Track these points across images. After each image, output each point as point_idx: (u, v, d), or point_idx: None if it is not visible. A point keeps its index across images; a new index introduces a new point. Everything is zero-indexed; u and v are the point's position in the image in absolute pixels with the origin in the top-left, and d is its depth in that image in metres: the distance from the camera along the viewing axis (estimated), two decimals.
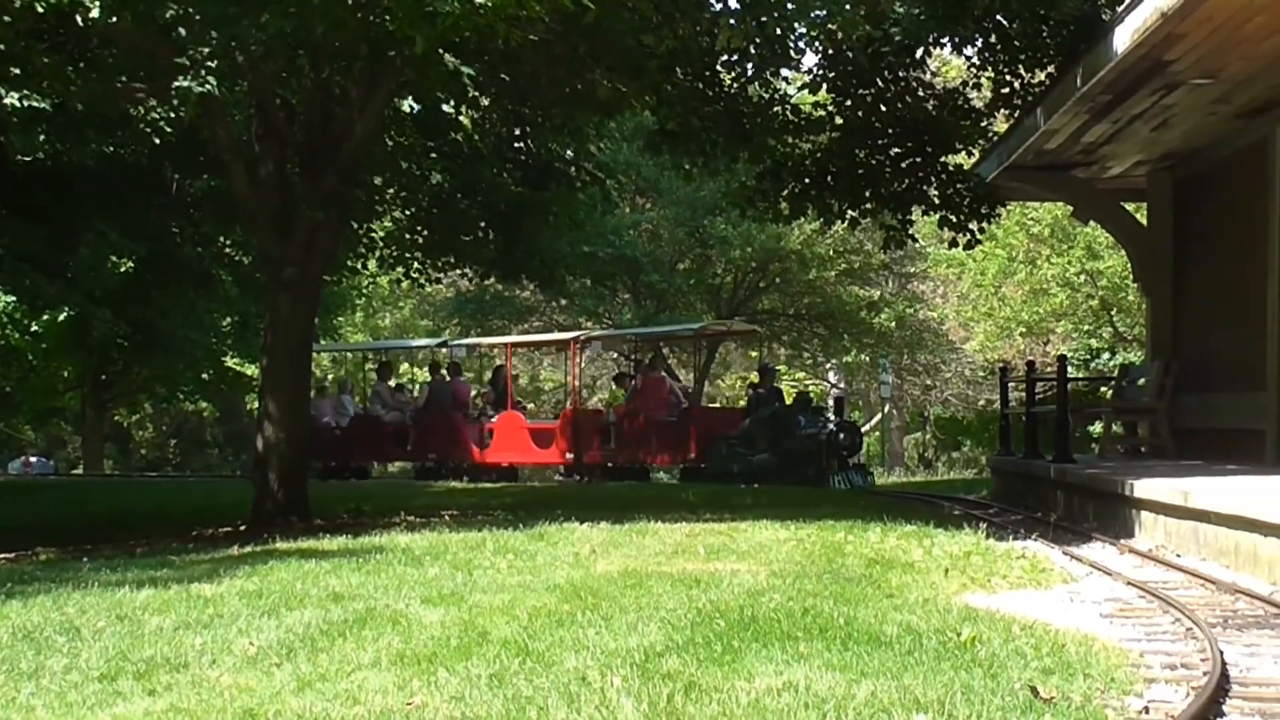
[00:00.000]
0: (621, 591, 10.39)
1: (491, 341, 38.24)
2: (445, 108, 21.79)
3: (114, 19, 16.13)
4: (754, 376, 35.07)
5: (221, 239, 27.69)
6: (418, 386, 36.31)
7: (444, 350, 35.87)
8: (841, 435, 26.46)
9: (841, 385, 53.08)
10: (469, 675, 7.57)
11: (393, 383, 36.00)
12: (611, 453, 30.69)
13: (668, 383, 31.59)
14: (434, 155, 23.54)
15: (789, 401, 29.17)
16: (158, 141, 22.39)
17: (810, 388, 49.40)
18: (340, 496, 23.10)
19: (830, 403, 28.09)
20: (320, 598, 10.65)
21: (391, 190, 24.39)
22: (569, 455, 31.13)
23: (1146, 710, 6.89)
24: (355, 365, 52.15)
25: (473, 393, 33.76)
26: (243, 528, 18.97)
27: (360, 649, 8.48)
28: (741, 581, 10.84)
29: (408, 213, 25.03)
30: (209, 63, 15.95)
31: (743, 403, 33.60)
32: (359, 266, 27.65)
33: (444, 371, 33.89)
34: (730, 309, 44.21)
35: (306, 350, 20.84)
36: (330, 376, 50.12)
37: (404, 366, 51.20)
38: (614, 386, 33.66)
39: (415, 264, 25.47)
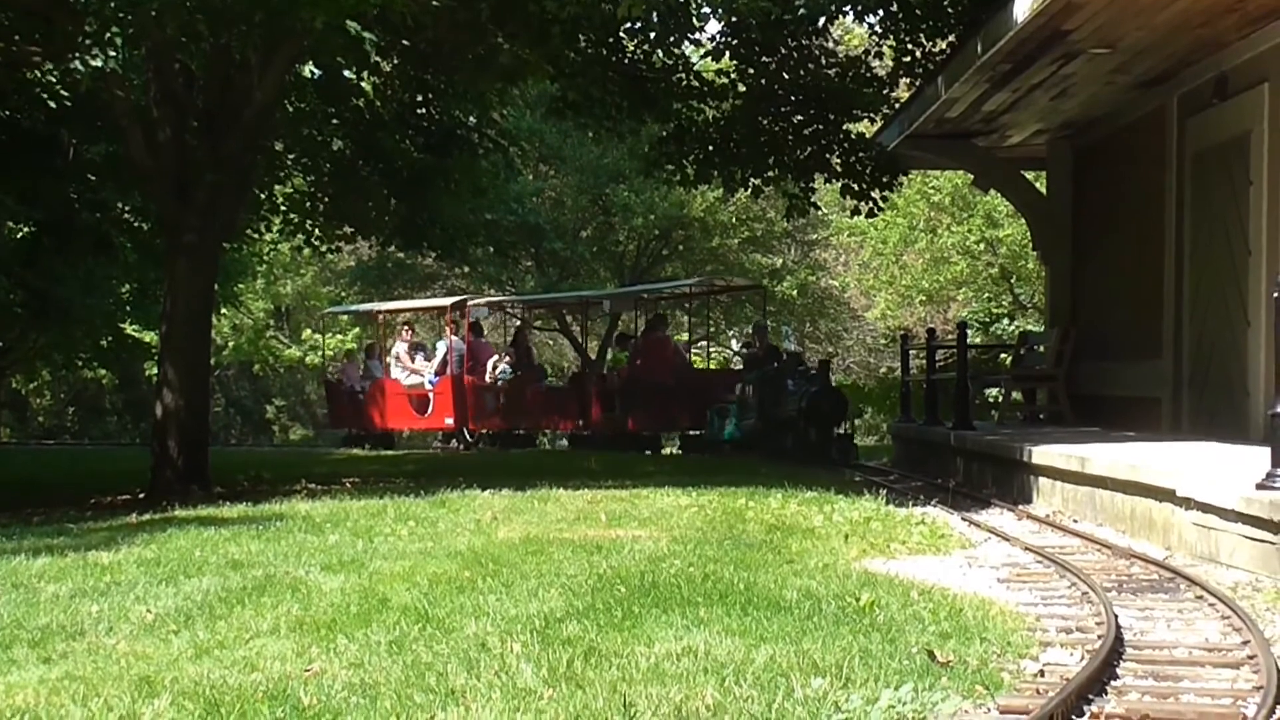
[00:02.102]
0: (522, 558, 10.40)
1: (510, 300, 36.88)
2: (346, 73, 21.64)
3: None
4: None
5: (120, 205, 27.36)
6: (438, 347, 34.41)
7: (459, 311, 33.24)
8: (824, 402, 22.87)
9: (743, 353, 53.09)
10: (368, 642, 7.56)
11: (402, 345, 33.46)
12: (617, 419, 28.77)
13: (672, 343, 30.01)
14: (335, 121, 23.35)
15: (796, 361, 26.29)
16: (54, 106, 22.08)
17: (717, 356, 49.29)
18: (241, 464, 22.97)
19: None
20: (219, 565, 10.60)
21: (292, 156, 24.18)
22: (580, 421, 29.86)
23: (1042, 673, 6.94)
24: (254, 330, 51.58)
25: (494, 355, 32.19)
26: (142, 496, 18.82)
27: (259, 616, 8.45)
28: (642, 548, 10.87)
29: (309, 179, 24.82)
30: (105, 33, 15.75)
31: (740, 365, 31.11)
32: (259, 233, 27.38)
33: (462, 333, 32.09)
34: (634, 276, 44.17)
35: (206, 316, 20.70)
36: (231, 345, 49.65)
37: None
38: (615, 348, 31.99)
39: (316, 231, 25.25)
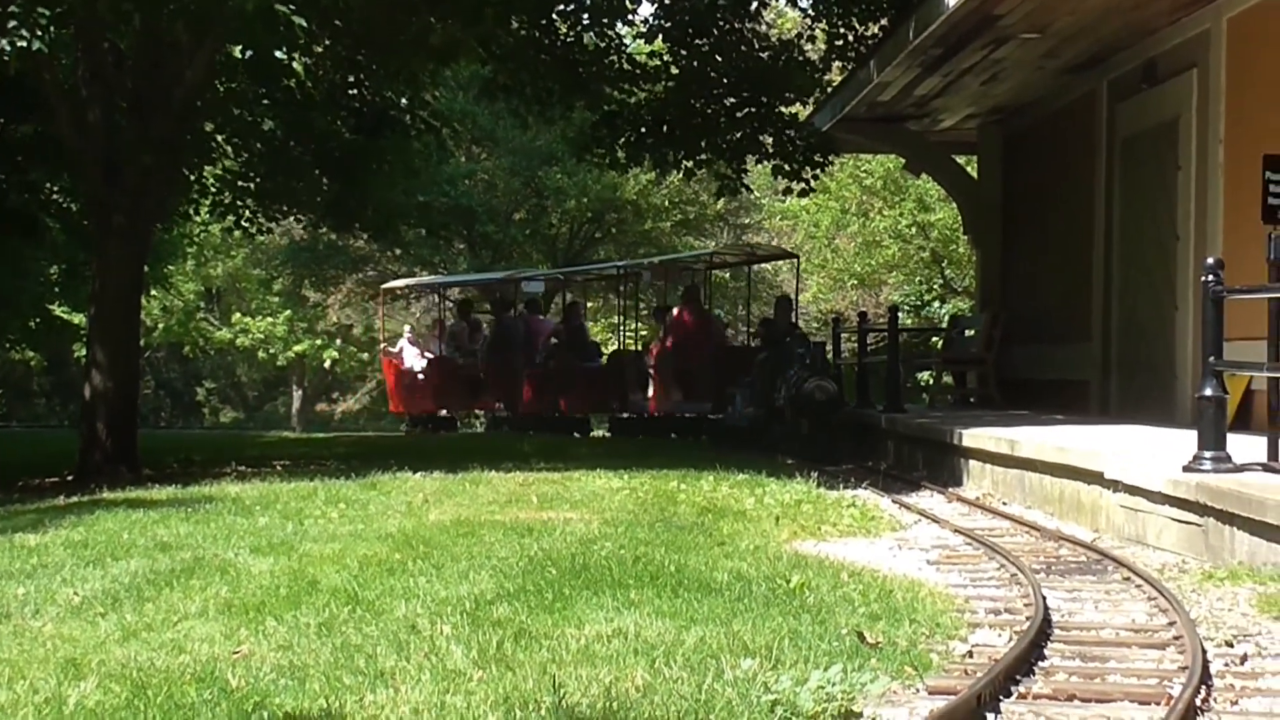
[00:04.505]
0: (453, 540, 10.37)
1: (559, 273, 35.47)
2: (278, 54, 21.49)
3: None
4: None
5: (49, 185, 27.15)
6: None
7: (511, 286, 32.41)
8: (815, 391, 19.69)
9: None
10: (298, 624, 7.53)
11: (459, 323, 32.44)
12: (650, 401, 26.92)
13: (709, 318, 27.44)
14: (266, 102, 23.19)
15: (799, 343, 22.01)
16: None
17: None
18: (170, 446, 22.83)
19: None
20: (147, 547, 10.53)
21: (222, 137, 24.00)
22: (615, 404, 28.13)
23: (971, 654, 6.97)
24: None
25: (550, 331, 29.92)
26: (70, 478, 18.68)
27: (187, 598, 8.40)
28: (574, 530, 10.85)
29: (240, 160, 24.64)
30: (32, 13, 15.59)
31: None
32: (190, 214, 27.19)
33: (518, 309, 31.03)
34: (566, 259, 44.09)
35: (136, 298, 20.57)
36: (160, 327, 49.32)
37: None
38: (653, 322, 30.23)
39: (247, 212, 25.09)
